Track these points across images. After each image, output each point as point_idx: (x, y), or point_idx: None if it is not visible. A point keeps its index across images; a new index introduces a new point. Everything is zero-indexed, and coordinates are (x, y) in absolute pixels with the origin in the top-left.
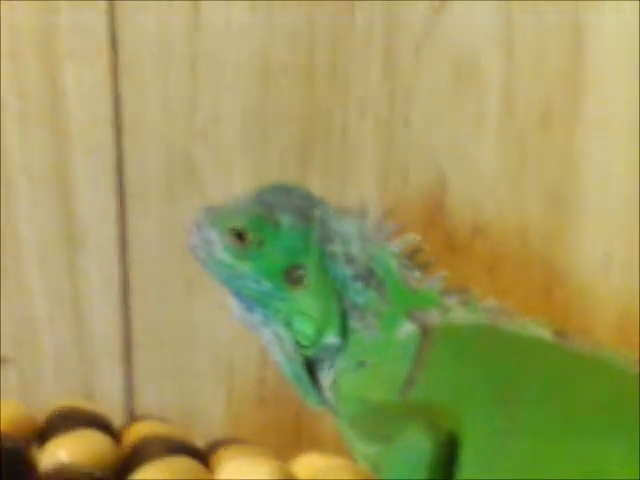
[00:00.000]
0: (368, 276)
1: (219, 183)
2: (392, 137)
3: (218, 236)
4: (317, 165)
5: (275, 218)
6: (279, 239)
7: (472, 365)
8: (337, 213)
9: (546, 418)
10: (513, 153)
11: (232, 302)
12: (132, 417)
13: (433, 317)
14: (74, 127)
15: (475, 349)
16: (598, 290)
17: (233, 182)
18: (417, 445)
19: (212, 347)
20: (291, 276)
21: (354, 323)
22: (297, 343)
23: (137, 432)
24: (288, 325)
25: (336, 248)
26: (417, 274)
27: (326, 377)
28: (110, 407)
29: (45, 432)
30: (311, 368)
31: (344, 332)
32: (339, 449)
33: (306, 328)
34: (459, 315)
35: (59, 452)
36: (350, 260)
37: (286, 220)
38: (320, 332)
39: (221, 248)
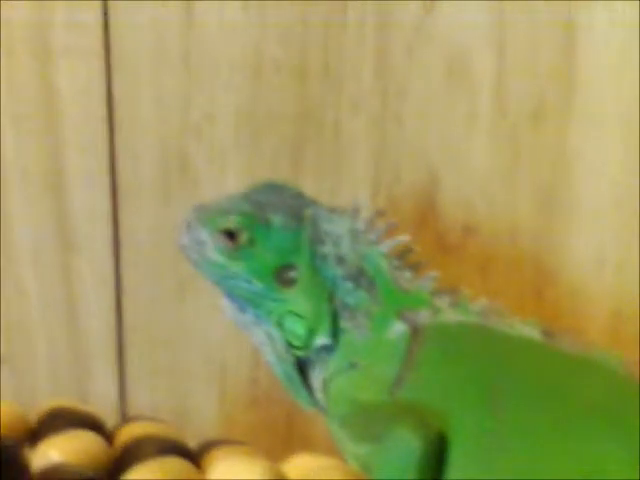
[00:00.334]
0: (359, 276)
1: (213, 181)
2: (384, 136)
3: (209, 236)
4: (310, 163)
5: (266, 217)
6: (270, 239)
7: (462, 365)
8: (328, 213)
9: (535, 418)
10: (505, 152)
11: (224, 302)
12: (125, 417)
13: (424, 317)
14: (67, 125)
15: (465, 349)
16: (590, 290)
17: (227, 180)
18: (407, 445)
19: (205, 347)
20: (282, 276)
21: (345, 323)
22: (288, 343)
23: (129, 432)
24: (279, 325)
25: (327, 248)
26: (408, 274)
27: (317, 377)
28: (103, 407)
29: (37, 432)
30: (302, 368)
31: (335, 332)
32: (331, 449)
33: (297, 328)
34: (449, 315)
35: (51, 452)
36: (341, 260)
37: (277, 220)
38: (311, 332)
39: (212, 248)
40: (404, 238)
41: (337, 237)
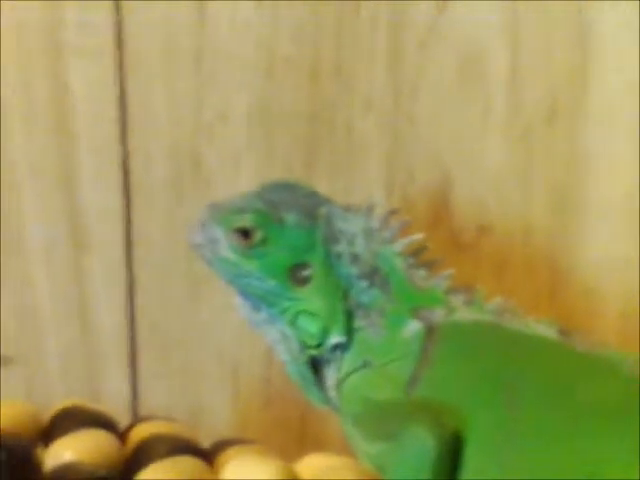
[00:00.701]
0: (373, 275)
1: (225, 181)
2: (397, 134)
3: (223, 234)
4: (323, 163)
5: (280, 216)
6: (284, 237)
7: (477, 363)
8: (342, 211)
9: (550, 417)
10: (519, 151)
11: (238, 301)
12: (137, 417)
13: (438, 316)
14: (79, 125)
15: (480, 348)
16: (603, 289)
17: (239, 180)
18: (421, 443)
19: (218, 346)
20: (296, 275)
21: (359, 322)
22: (302, 342)
23: (142, 432)
24: (293, 324)
25: (341, 247)
26: (422, 272)
27: (331, 376)
28: (116, 407)
29: (50, 432)
30: (316, 367)
31: (349, 331)
32: (344, 449)
33: (311, 327)
34: (464, 314)
35: (64, 452)
36: (355, 259)
37: (291, 218)
38: (325, 331)
39: (226, 246)
40: (418, 236)
41: (351, 235)
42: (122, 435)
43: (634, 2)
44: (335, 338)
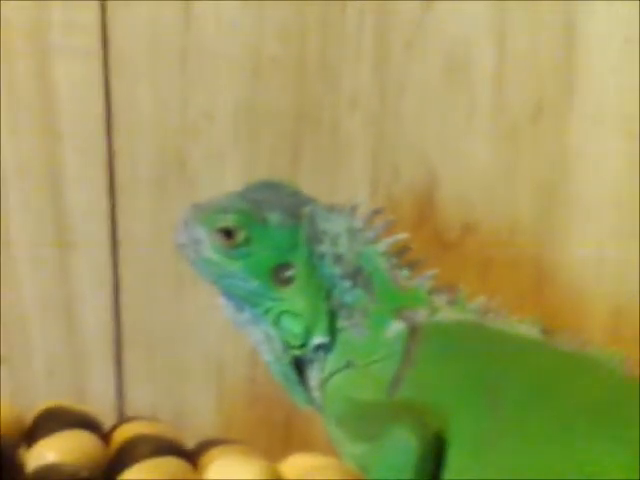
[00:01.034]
0: (356, 275)
1: (211, 180)
2: (383, 133)
3: (206, 234)
4: (308, 161)
5: (263, 216)
6: (267, 237)
7: (460, 364)
8: (326, 211)
9: (534, 417)
10: (505, 149)
11: (221, 301)
12: (123, 417)
13: (421, 316)
14: (65, 124)
15: (463, 348)
16: (589, 288)
17: (225, 179)
18: (404, 444)
19: (202, 346)
20: (279, 275)
21: (342, 322)
22: (286, 342)
23: (126, 432)
24: (277, 324)
25: (324, 247)
26: (406, 273)
27: (314, 377)
28: (101, 407)
29: (33, 432)
30: (300, 367)
31: (332, 331)
32: (329, 449)
33: (294, 327)
34: (448, 314)
35: (46, 452)
36: (338, 259)
37: (274, 218)
38: (308, 331)
39: (209, 247)
40: (402, 236)
41: (335, 235)
42: (106, 436)
43: (620, 2)
44: (318, 338)
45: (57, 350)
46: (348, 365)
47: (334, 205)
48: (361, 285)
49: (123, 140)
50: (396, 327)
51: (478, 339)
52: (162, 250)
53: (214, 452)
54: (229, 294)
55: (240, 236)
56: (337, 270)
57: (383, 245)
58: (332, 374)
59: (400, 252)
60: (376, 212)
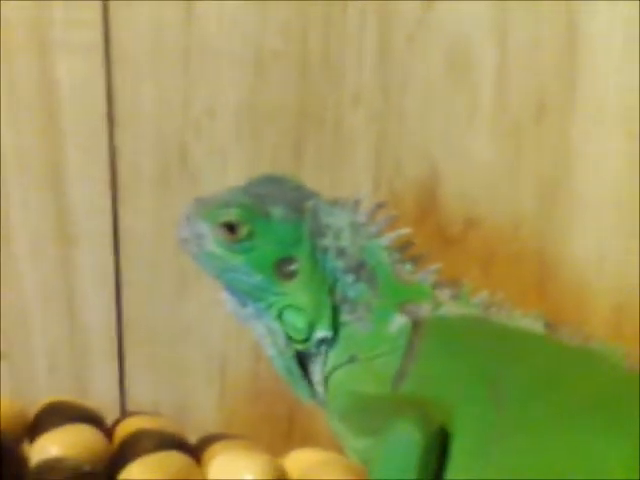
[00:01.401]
0: (359, 269)
1: (213, 176)
2: (385, 129)
3: (209, 229)
4: (310, 157)
5: (266, 210)
6: (270, 231)
7: (463, 358)
8: (329, 205)
9: (537, 411)
10: (507, 145)
11: (224, 296)
12: (125, 412)
13: (425, 310)
14: (67, 120)
15: (466, 342)
16: (591, 283)
17: (227, 174)
18: (408, 438)
19: (205, 341)
20: (282, 269)
21: (345, 316)
22: (289, 337)
23: (128, 427)
24: (280, 319)
25: (327, 241)
26: (409, 267)
27: (317, 371)
28: (103, 403)
29: (36, 427)
30: (303, 362)
31: (335, 325)
32: (332, 444)
33: (298, 321)
34: (451, 308)
35: (49, 447)
36: (341, 253)
37: (277, 212)
38: (311, 325)
39: (212, 241)
40: (405, 231)
41: (338, 230)
42: (109, 430)
43: (622, 1)
44: (321, 333)
45: (59, 346)
46: (351, 359)
47: (337, 199)
48: (364, 279)
49: (125, 136)
50: (399, 321)
51: (481, 333)
52: (164, 246)
53: (217, 447)
54: (232, 288)
55: (243, 230)
56: (340, 264)
57: (386, 239)
58: (335, 368)
59: (403, 247)
60: (379, 206)
